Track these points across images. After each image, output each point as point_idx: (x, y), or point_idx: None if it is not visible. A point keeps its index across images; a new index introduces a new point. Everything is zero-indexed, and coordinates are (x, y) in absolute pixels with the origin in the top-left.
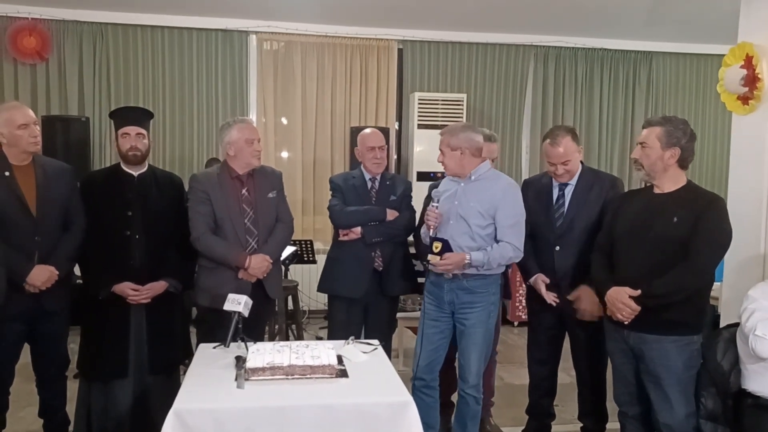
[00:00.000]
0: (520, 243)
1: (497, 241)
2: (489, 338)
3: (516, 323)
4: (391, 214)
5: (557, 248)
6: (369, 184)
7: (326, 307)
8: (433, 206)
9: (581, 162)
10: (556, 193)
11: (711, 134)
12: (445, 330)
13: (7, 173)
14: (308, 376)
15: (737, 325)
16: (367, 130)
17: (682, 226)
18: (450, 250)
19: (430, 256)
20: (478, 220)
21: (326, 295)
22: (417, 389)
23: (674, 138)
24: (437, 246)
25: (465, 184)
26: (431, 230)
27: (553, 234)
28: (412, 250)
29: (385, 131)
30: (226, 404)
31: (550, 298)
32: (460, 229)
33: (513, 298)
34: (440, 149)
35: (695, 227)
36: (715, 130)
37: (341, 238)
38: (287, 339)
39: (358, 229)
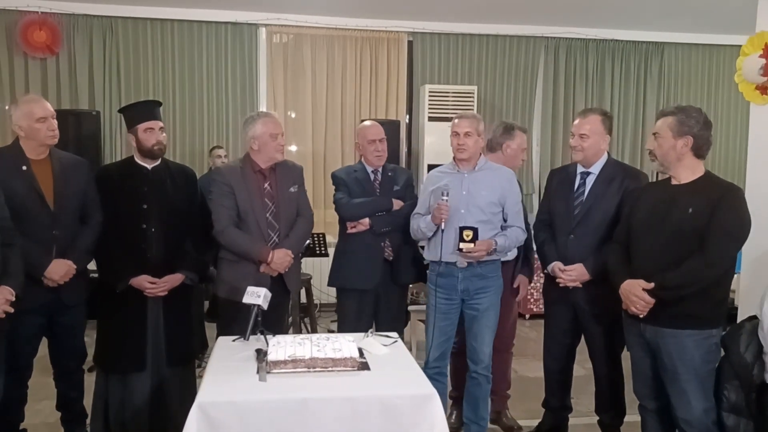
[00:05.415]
0: (523, 224)
1: (503, 228)
2: (497, 320)
3: (528, 316)
4: (397, 204)
5: (572, 237)
6: (372, 176)
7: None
8: (443, 200)
9: (608, 153)
10: (577, 181)
11: (724, 126)
12: (455, 320)
13: (24, 167)
14: (330, 368)
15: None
16: (367, 123)
17: (697, 217)
18: (477, 237)
19: (462, 244)
20: (492, 208)
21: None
22: (431, 377)
23: (686, 126)
24: (468, 234)
25: (469, 174)
26: (443, 223)
27: (569, 222)
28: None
29: (395, 124)
30: (249, 397)
31: (567, 278)
32: (474, 218)
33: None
34: (466, 131)
35: (710, 217)
36: (728, 122)
37: (349, 230)
38: (300, 332)
39: (366, 220)
